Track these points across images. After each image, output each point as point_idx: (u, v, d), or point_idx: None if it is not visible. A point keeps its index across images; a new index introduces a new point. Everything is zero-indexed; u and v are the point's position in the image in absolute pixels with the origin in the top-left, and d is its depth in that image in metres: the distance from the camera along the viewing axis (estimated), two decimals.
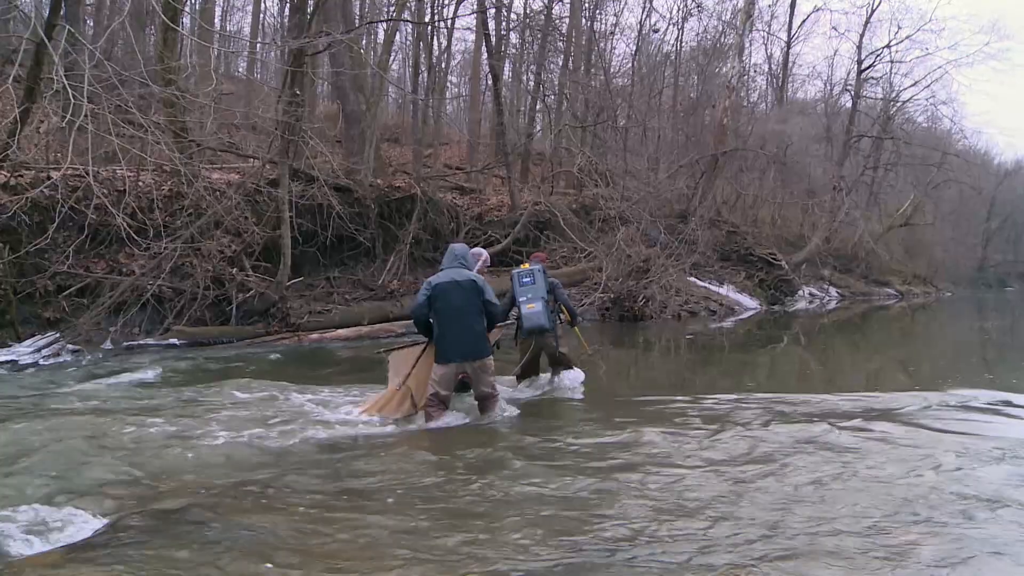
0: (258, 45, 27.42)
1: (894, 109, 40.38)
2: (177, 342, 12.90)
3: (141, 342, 12.66)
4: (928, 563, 4.16)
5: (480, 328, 7.50)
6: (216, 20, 29.58)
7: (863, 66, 38.98)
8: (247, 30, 33.30)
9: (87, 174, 10.55)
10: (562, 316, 9.20)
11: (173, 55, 14.56)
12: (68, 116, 9.30)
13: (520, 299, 8.63)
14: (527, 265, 8.90)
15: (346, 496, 5.23)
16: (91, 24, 18.48)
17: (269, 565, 3.92)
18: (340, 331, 14.83)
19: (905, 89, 40.37)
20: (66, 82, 9.27)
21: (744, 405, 8.65)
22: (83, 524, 4.50)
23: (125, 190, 12.81)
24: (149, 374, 10.10)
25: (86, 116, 9.50)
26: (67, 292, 12.42)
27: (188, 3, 21.44)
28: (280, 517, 4.71)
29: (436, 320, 7.43)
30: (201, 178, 13.92)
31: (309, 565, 3.97)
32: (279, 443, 6.66)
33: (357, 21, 23.24)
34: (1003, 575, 4.04)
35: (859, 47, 39.05)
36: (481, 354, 7.50)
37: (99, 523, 4.51)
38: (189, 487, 5.34)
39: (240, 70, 30.77)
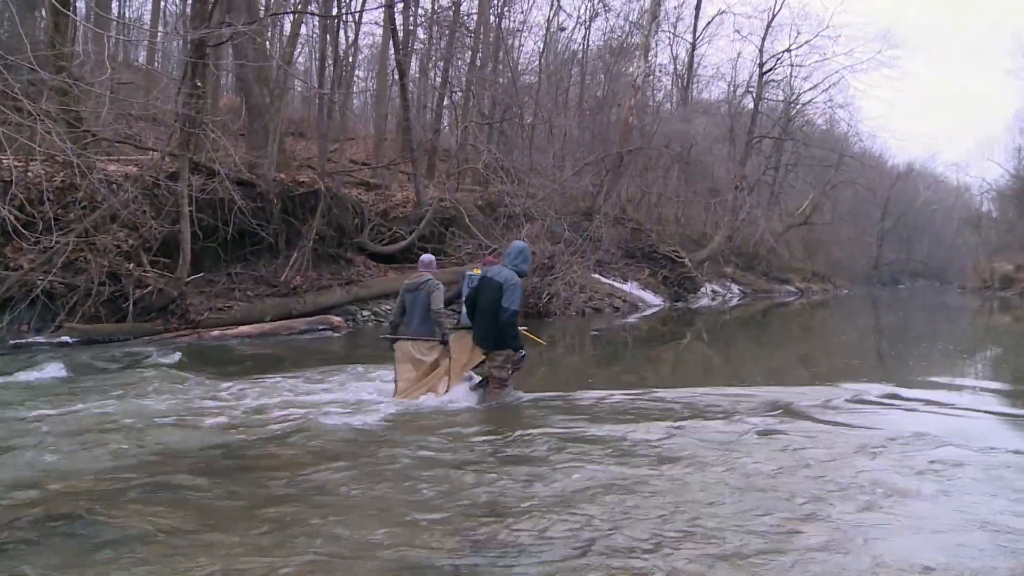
0: (158, 34, 26.66)
1: (794, 111, 41.63)
2: (70, 340, 12.44)
3: (30, 340, 12.17)
4: (809, 550, 4.30)
5: (491, 322, 8.28)
6: (114, 6, 28.70)
7: (764, 69, 40.02)
8: (147, 18, 32.39)
9: None
10: None
11: (65, 41, 14.02)
12: None
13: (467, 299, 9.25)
14: (478, 271, 9.33)
15: (242, 497, 5.12)
16: None
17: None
18: (242, 328, 14.54)
19: (804, 92, 41.73)
20: None
21: (644, 401, 8.83)
22: None
23: (12, 181, 12.27)
24: (41, 372, 9.72)
25: None
26: None
27: None
28: (173, 520, 4.59)
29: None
30: (96, 170, 13.45)
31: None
32: (185, 440, 6.51)
33: (262, 12, 22.79)
34: (881, 559, 4.20)
35: (761, 50, 40.13)
36: (487, 347, 8.40)
37: None
38: (82, 489, 5.18)
39: (140, 59, 29.90)
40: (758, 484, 5.52)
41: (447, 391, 8.49)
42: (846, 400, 9.25)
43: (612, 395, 9.07)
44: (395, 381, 8.74)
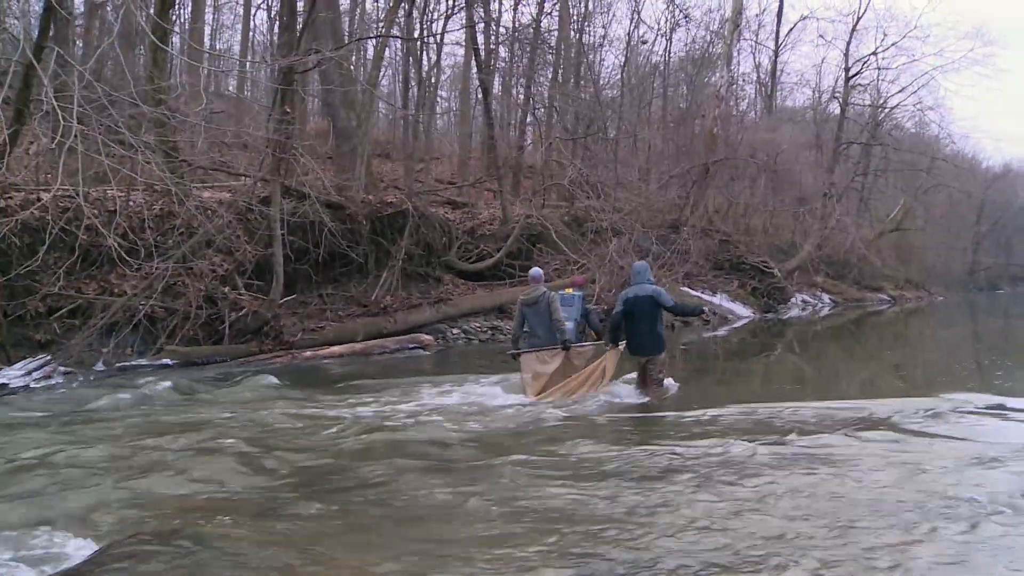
0: (247, 63, 27.40)
1: (882, 115, 40.49)
2: (170, 362, 12.84)
3: (134, 363, 12.58)
4: (924, 568, 4.15)
5: (649, 332, 9.65)
6: (205, 39, 29.59)
7: (850, 73, 39.07)
8: (237, 48, 33.35)
9: (77, 195, 10.47)
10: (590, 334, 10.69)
11: (162, 75, 14.52)
12: (58, 137, 9.22)
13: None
14: (570, 291, 10.73)
15: (345, 522, 5.17)
16: (80, 45, 18.41)
17: None
18: (334, 348, 14.75)
19: (892, 96, 40.47)
20: (55, 103, 9.20)
21: (737, 415, 8.64)
22: (74, 550, 4.46)
23: (116, 210, 12.76)
24: (145, 393, 10.02)
25: (76, 137, 9.44)
26: (58, 314, 12.31)
27: (177, 23, 21.46)
28: (273, 541, 4.66)
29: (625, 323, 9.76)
30: (192, 197, 13.87)
31: None
32: (290, 460, 6.62)
33: (346, 38, 23.28)
34: None
35: (846, 54, 39.16)
36: (648, 353, 9.80)
37: (90, 549, 4.46)
38: (188, 508, 5.29)
39: (230, 88, 30.79)
40: (861, 500, 5.36)
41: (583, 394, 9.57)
42: (949, 411, 8.90)
43: (704, 411, 8.92)
44: (524, 388, 9.79)
